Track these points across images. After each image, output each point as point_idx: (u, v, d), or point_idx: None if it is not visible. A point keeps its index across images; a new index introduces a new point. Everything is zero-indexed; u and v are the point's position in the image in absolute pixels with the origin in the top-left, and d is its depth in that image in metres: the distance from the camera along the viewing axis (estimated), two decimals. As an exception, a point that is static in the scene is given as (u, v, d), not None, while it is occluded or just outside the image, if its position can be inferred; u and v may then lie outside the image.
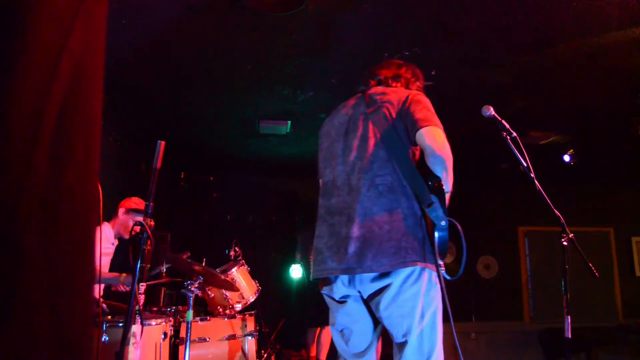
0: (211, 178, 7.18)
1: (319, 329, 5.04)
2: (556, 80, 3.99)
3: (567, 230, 2.34)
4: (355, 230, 1.79)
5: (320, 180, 2.10)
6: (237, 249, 3.97)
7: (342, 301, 1.93)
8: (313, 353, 5.10)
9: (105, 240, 3.46)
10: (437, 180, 1.75)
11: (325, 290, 1.97)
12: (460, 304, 6.87)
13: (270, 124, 4.96)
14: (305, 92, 4.24)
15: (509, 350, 6.28)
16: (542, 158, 5.72)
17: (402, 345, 1.76)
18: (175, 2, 2.84)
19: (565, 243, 2.34)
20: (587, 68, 3.73)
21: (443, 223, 1.72)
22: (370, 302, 1.85)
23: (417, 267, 1.74)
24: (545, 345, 6.23)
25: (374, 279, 1.78)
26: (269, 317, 5.25)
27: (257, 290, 3.63)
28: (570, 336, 2.29)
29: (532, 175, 2.26)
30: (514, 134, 2.24)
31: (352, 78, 3.97)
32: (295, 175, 7.28)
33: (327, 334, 4.98)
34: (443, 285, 1.77)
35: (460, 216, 1.76)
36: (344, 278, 1.86)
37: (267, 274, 6.28)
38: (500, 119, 2.24)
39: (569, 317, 2.29)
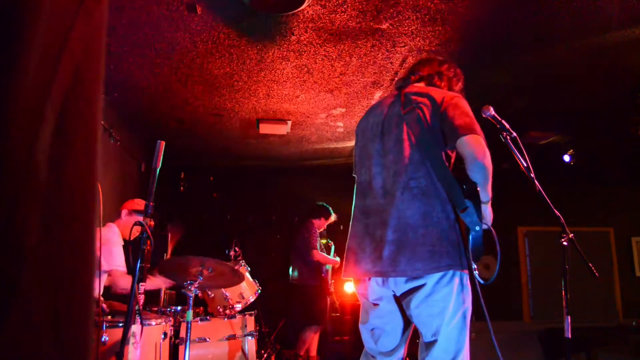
0: (211, 178, 7.18)
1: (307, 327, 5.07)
2: (556, 80, 3.99)
3: (567, 230, 2.34)
4: (390, 234, 1.79)
5: (356, 178, 2.10)
6: (237, 249, 3.97)
7: (375, 303, 1.93)
8: (313, 353, 5.10)
9: (118, 243, 3.33)
10: (472, 184, 1.74)
11: (359, 290, 1.98)
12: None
13: (270, 124, 4.97)
14: (305, 92, 4.24)
15: (509, 350, 6.26)
16: (542, 158, 5.72)
17: (431, 344, 1.77)
18: (175, 1, 2.84)
19: (565, 243, 2.34)
20: (587, 68, 3.73)
21: (477, 228, 1.72)
22: (402, 301, 1.86)
23: (451, 270, 1.75)
24: (545, 345, 6.21)
25: (408, 280, 1.79)
26: (269, 317, 5.25)
27: (257, 290, 3.63)
28: (570, 336, 2.29)
29: (532, 175, 2.26)
30: (514, 134, 2.24)
31: (352, 78, 3.99)
32: (295, 175, 7.27)
33: (313, 333, 5.00)
34: (477, 287, 1.78)
35: (460, 216, 1.76)
36: (378, 279, 1.87)
37: (267, 274, 6.28)
38: (500, 119, 2.24)
39: (569, 317, 2.29)
